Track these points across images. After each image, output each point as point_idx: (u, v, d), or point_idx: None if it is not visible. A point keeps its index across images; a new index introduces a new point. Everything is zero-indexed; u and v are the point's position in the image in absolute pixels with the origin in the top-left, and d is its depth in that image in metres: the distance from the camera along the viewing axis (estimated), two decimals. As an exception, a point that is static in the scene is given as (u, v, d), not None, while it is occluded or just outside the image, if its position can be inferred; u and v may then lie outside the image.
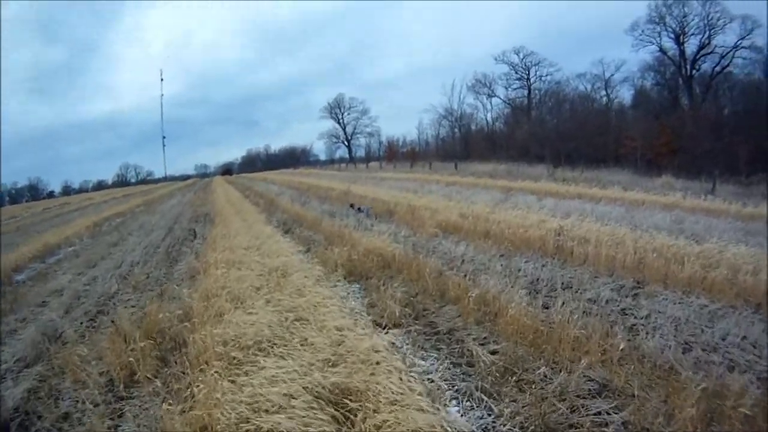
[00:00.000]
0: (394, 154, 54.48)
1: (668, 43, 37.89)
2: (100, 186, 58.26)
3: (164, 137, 63.43)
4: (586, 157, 32.06)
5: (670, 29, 37.46)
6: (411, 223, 11.57)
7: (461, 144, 49.00)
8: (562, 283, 6.41)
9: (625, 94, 42.30)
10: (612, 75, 42.39)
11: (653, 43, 38.37)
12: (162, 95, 64.41)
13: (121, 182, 59.96)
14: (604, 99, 43.36)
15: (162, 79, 65.71)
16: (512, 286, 5.99)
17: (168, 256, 10.36)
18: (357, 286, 6.92)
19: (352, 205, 15.20)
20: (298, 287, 5.82)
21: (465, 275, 6.83)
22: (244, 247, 9.35)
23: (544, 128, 40.54)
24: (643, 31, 38.47)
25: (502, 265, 7.46)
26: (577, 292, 5.97)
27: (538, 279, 6.65)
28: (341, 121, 60.71)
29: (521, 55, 48.12)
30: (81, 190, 56.43)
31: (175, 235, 13.61)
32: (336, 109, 60.31)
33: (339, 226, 11.27)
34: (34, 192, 55.42)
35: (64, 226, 17.43)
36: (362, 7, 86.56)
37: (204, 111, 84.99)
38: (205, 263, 8.09)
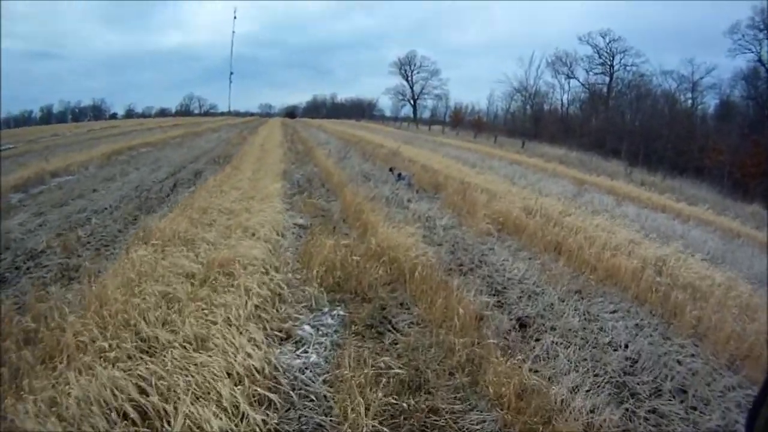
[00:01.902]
0: (459, 120, 51.38)
1: (768, 54, 31.50)
2: (163, 113, 58.33)
3: (231, 73, 62.37)
4: (667, 161, 28.47)
5: (773, 38, 30.94)
6: (459, 207, 8.67)
7: (532, 122, 45.61)
8: (672, 380, 3.60)
9: (708, 102, 36.83)
10: (701, 78, 36.42)
11: (752, 51, 32.43)
12: (234, 32, 62.67)
13: (184, 112, 59.81)
14: (689, 102, 37.65)
15: (235, 17, 63.99)
16: (594, 375, 3.48)
17: (142, 206, 8.22)
18: (339, 314, 4.23)
19: (392, 170, 12.39)
20: (209, 324, 3.22)
21: (518, 324, 4.04)
22: (221, 210, 6.96)
23: (624, 121, 36.38)
24: (743, 35, 32.38)
25: (579, 314, 4.55)
26: (695, 408, 3.31)
27: (635, 361, 3.82)
28: (410, 78, 57.41)
29: (607, 39, 42.80)
30: (143, 115, 56.95)
31: (178, 176, 11.57)
32: (406, 66, 57.09)
33: (363, 198, 8.59)
34: (97, 112, 56.69)
35: (84, 150, 16.07)
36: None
37: (276, 53, 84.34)
38: (148, 232, 5.75)
